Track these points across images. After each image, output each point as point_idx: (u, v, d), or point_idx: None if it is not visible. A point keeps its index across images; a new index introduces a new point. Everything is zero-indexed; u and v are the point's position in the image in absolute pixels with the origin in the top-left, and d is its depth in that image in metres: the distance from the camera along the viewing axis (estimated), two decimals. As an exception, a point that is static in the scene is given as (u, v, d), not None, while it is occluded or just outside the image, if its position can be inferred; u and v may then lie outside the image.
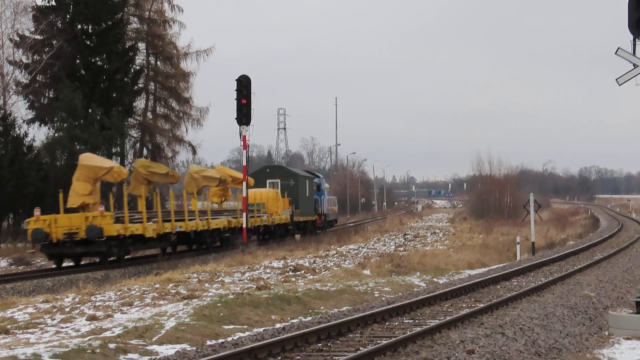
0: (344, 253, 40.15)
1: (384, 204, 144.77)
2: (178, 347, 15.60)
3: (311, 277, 29.14)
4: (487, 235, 57.72)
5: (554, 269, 30.55)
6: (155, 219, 35.05)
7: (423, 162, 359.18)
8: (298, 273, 30.13)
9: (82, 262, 34.65)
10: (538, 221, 50.06)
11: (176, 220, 36.60)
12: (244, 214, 40.25)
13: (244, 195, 40.23)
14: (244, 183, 40.68)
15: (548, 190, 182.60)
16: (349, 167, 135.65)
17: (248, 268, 31.13)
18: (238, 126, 39.58)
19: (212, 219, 40.29)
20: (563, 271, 29.19)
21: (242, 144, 39.80)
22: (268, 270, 30.74)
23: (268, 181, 53.36)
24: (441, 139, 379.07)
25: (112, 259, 33.07)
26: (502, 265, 35.49)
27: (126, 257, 34.50)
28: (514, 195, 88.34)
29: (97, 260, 33.59)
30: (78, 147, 50.43)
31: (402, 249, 44.32)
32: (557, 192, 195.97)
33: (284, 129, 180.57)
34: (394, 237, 56.75)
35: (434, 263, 35.10)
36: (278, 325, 18.12)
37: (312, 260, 34.79)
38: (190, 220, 37.97)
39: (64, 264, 34.01)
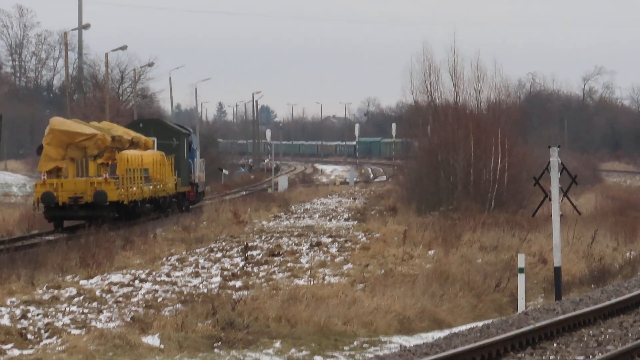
0: (98, 294, 21.80)
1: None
2: None
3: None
4: (445, 249, 29.43)
5: (607, 336, 15.90)
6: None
7: (293, 74, 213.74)
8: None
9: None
10: (568, 216, 27.14)
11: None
12: None
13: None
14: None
15: (596, 140, 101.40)
16: (111, 81, 73.63)
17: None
18: None
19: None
20: (629, 339, 15.35)
21: None
22: None
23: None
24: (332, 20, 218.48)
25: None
26: (481, 324, 17.34)
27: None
28: (513, 153, 44.53)
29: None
30: None
31: (238, 282, 24.33)
32: (617, 146, 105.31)
33: None
34: (219, 252, 31.02)
35: (315, 319, 18.32)
36: None
37: (15, 312, 18.98)
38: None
39: None
